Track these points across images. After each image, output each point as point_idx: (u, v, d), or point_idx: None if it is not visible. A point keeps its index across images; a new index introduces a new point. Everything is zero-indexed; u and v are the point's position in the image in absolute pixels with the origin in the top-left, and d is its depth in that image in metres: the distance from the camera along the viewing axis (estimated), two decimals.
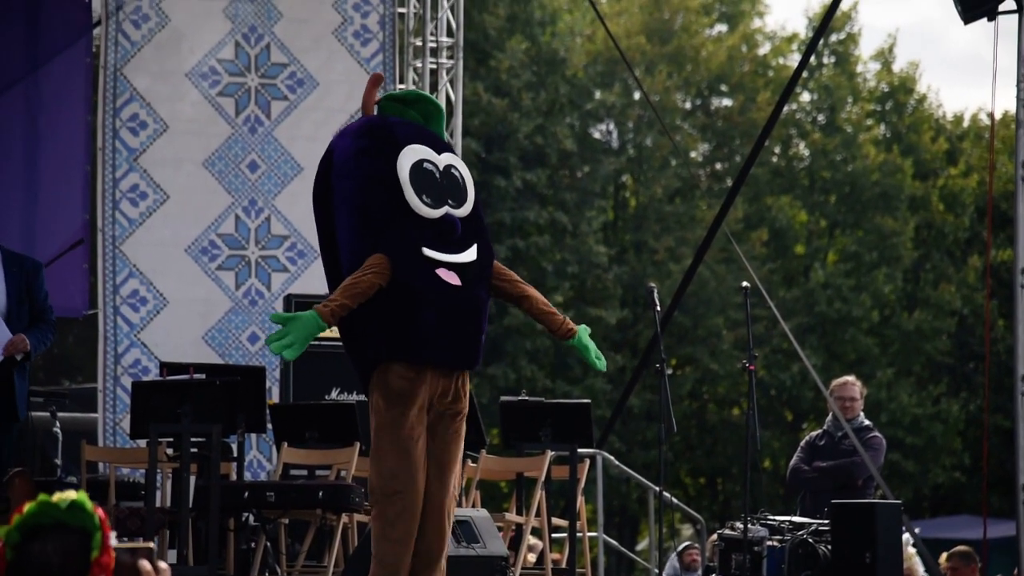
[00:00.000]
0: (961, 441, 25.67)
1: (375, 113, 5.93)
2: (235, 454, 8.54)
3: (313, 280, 10.30)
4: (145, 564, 2.65)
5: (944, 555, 11.07)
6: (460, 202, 5.73)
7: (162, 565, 2.67)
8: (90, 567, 2.61)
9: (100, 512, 2.64)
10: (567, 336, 5.97)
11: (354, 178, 5.65)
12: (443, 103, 11.53)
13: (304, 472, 8.77)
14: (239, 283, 10.65)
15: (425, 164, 5.69)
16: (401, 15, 11.38)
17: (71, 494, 2.64)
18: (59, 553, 2.61)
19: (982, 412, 22.82)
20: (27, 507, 2.65)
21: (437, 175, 5.71)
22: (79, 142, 10.40)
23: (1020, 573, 8.48)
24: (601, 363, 6.05)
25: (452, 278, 5.64)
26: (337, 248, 5.76)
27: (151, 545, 2.72)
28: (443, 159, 5.77)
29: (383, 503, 5.66)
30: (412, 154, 5.69)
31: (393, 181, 5.63)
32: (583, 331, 6.01)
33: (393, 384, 5.65)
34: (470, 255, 5.71)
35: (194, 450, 7.56)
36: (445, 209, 5.68)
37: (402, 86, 11.25)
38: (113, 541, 2.63)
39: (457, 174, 5.78)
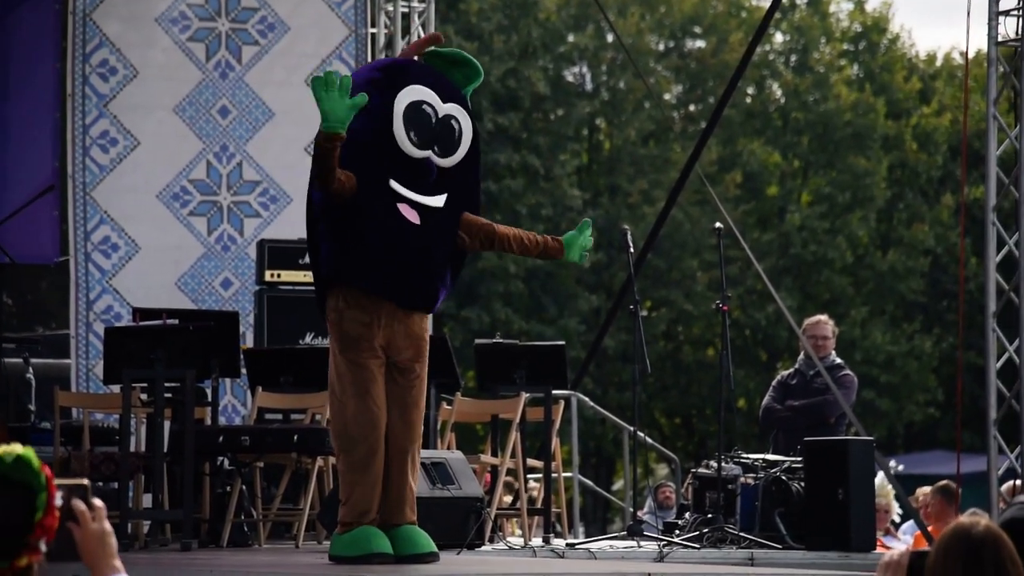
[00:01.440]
0: (935, 378, 25.84)
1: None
2: (209, 399, 8.55)
3: (286, 225, 10.29)
4: (79, 504, 2.61)
5: (928, 489, 11.16)
6: (448, 152, 5.74)
7: (97, 503, 2.64)
8: (33, 528, 2.54)
9: (47, 470, 2.57)
10: (559, 255, 6.05)
11: (356, 104, 5.68)
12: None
13: (279, 416, 8.80)
14: (211, 228, 10.62)
15: (424, 106, 5.72)
16: None
17: (17, 448, 2.57)
18: (1, 510, 2.53)
19: (955, 349, 22.89)
20: None
21: (433, 119, 5.72)
22: (48, 89, 10.32)
23: (991, 505, 8.56)
24: (582, 258, 6.08)
25: (412, 215, 5.68)
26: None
27: (84, 482, 2.67)
28: (446, 108, 5.78)
29: (347, 448, 5.69)
30: (415, 92, 5.73)
31: (387, 112, 5.67)
32: (569, 242, 6.04)
33: (348, 329, 5.67)
34: (437, 201, 5.73)
35: (168, 395, 7.57)
36: (428, 153, 5.70)
37: (373, 30, 11.19)
38: (58, 501, 2.56)
39: (456, 125, 5.78)
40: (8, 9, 10.25)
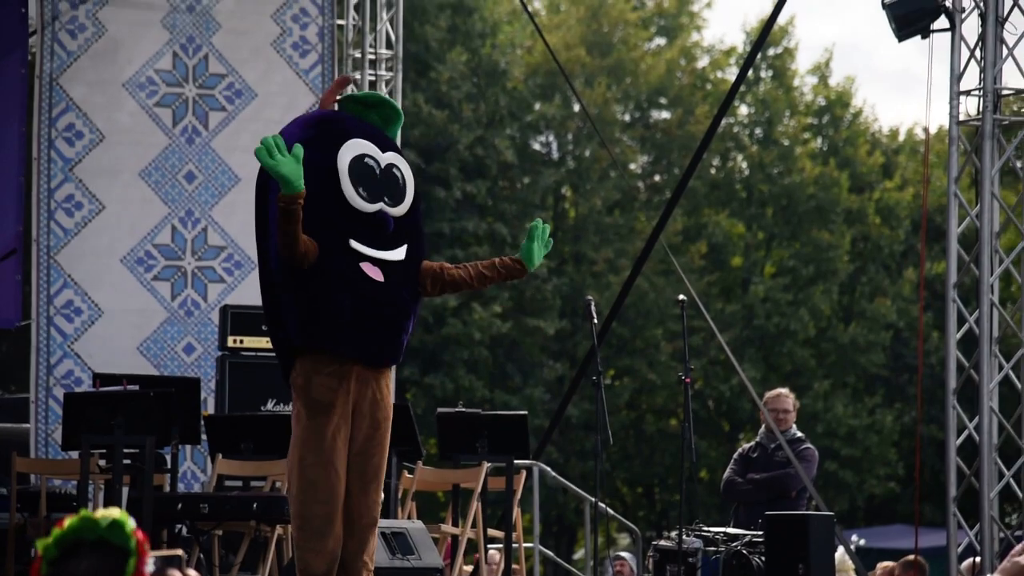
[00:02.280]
0: (896, 452, 25.90)
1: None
2: (169, 465, 8.49)
3: (250, 291, 10.27)
4: (175, 573, 2.63)
5: (889, 564, 11.17)
6: (397, 201, 5.75)
7: (191, 573, 2.65)
8: None
9: (139, 535, 2.57)
10: (522, 273, 6.01)
11: None
12: None
13: (239, 483, 8.75)
14: (175, 294, 10.60)
15: (366, 159, 5.71)
16: (340, 27, 11.37)
17: (114, 512, 2.57)
18: (88, 572, 2.52)
19: (916, 423, 23.05)
20: (67, 522, 2.59)
21: (377, 171, 5.72)
22: (13, 152, 10.31)
23: None
24: (536, 256, 5.99)
25: (376, 273, 5.67)
26: (265, 242, 5.77)
27: (179, 552, 2.68)
28: (386, 157, 5.78)
29: (304, 514, 5.65)
30: (355, 147, 5.71)
31: (331, 170, 5.64)
32: (526, 255, 6.00)
33: (315, 394, 5.65)
34: (398, 255, 5.74)
35: (127, 461, 7.52)
36: (380, 205, 5.69)
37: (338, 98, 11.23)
38: (149, 567, 2.56)
39: (398, 173, 5.79)
40: None
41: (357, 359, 5.66)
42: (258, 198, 5.79)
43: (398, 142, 6.01)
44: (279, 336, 5.79)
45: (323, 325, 5.61)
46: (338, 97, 5.93)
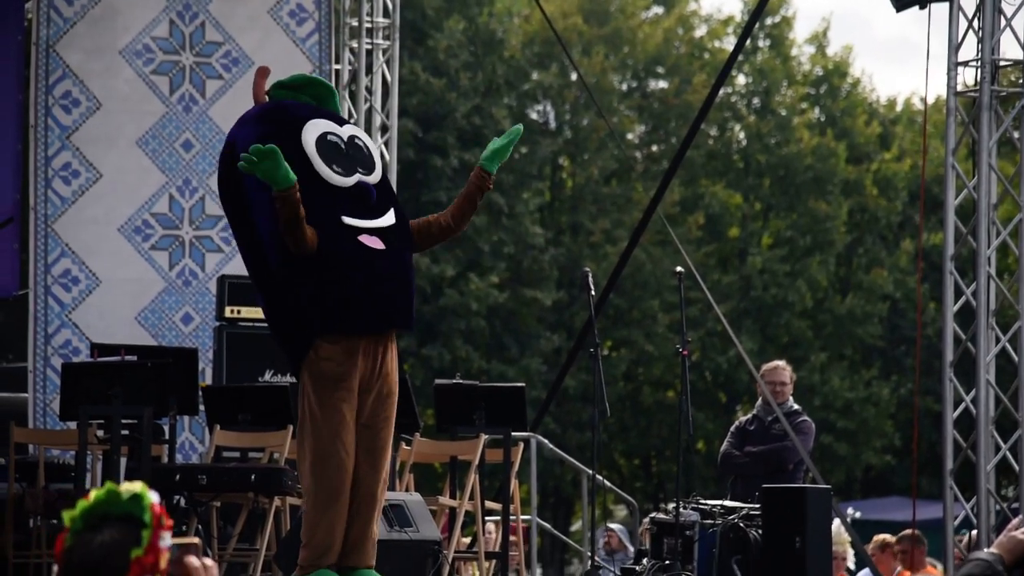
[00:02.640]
0: (892, 424, 25.94)
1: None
2: (167, 436, 8.49)
3: None
4: (192, 560, 2.61)
5: (892, 537, 11.20)
6: (369, 169, 5.79)
7: (208, 562, 2.63)
8: (129, 565, 2.52)
9: (156, 508, 2.56)
10: (488, 181, 5.98)
11: None
12: (379, 83, 11.50)
13: (237, 454, 8.74)
14: (173, 263, 10.57)
15: (329, 136, 5.74)
16: None
17: (136, 485, 2.57)
18: (102, 545, 2.52)
19: (913, 395, 23.00)
20: (93, 494, 2.58)
21: (342, 145, 5.76)
22: (10, 120, 10.26)
23: (947, 555, 8.58)
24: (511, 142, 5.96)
25: (375, 243, 5.69)
26: (254, 237, 5.75)
27: (196, 540, 2.65)
28: (345, 130, 5.84)
29: (314, 489, 5.66)
30: (315, 128, 5.74)
31: (301, 157, 5.65)
32: (486, 163, 5.99)
33: (324, 368, 5.65)
34: (389, 219, 5.77)
35: (125, 432, 7.51)
36: (357, 177, 5.72)
37: (338, 66, 11.20)
38: (167, 541, 2.55)
39: (361, 143, 5.84)
40: None
41: (374, 330, 5.67)
42: (230, 202, 5.79)
43: (338, 110, 6.05)
44: (288, 335, 5.76)
45: (340, 306, 5.62)
46: (267, 88, 5.95)
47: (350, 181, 5.69)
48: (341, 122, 5.89)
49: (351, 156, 5.76)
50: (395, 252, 5.73)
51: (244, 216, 5.77)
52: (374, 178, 5.78)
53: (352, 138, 5.81)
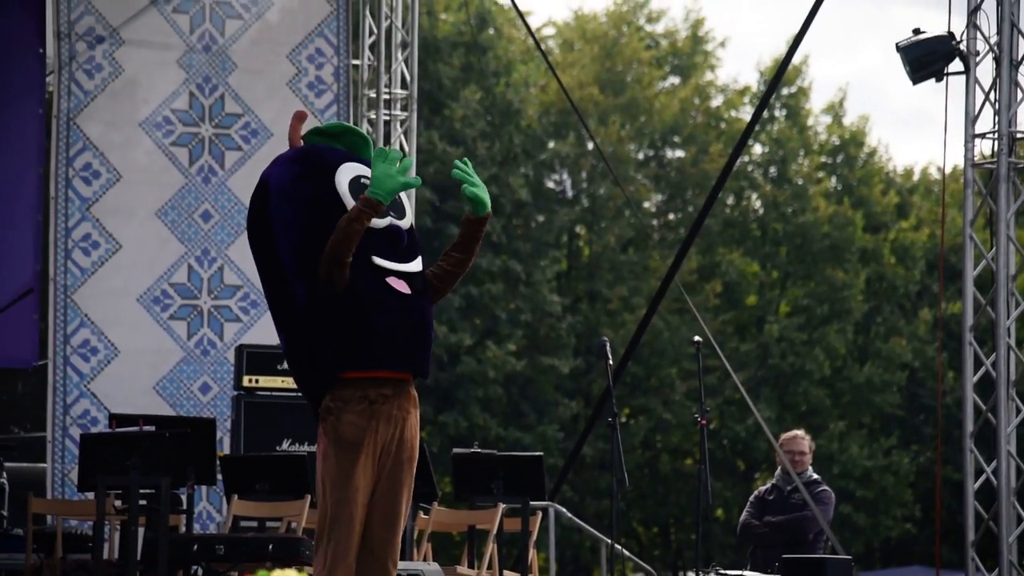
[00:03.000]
0: (912, 493, 25.79)
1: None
2: (184, 506, 8.48)
3: (266, 330, 10.26)
4: None
5: None
6: (401, 214, 5.81)
7: None
8: None
9: None
10: (478, 221, 5.84)
11: (295, 201, 5.65)
12: None
13: (254, 523, 8.73)
14: (191, 333, 10.61)
15: (362, 179, 5.76)
16: (356, 67, 11.42)
17: (293, 573, 2.55)
18: None
19: (933, 464, 22.90)
20: None
21: None
22: (31, 192, 10.35)
23: None
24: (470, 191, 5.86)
25: (402, 286, 5.70)
26: (279, 274, 5.78)
27: None
28: None
29: (323, 549, 5.66)
30: (348, 171, 5.76)
31: (334, 198, 5.68)
32: (467, 195, 5.93)
33: (344, 432, 5.65)
34: (416, 265, 5.79)
35: (143, 502, 7.51)
36: (389, 219, 5.74)
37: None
38: None
39: None
40: None
41: (393, 368, 5.68)
42: (256, 241, 5.80)
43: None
44: (307, 372, 5.78)
45: (361, 345, 5.64)
46: (302, 134, 5.99)
47: (382, 223, 5.73)
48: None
49: None
50: (419, 298, 5.77)
51: (270, 254, 5.80)
52: (405, 223, 5.83)
53: None
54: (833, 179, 28.23)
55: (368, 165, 5.88)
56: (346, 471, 5.63)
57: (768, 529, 9.31)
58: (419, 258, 5.84)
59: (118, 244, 10.54)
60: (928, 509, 25.34)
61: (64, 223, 10.43)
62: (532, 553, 8.57)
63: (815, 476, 9.57)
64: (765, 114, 26.48)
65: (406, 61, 11.58)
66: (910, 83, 9.10)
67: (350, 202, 5.69)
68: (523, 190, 24.84)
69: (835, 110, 28.29)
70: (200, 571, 7.98)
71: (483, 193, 5.83)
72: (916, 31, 9.15)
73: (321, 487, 5.69)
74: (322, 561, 5.65)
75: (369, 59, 11.52)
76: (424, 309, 5.79)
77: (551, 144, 26.16)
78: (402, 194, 5.84)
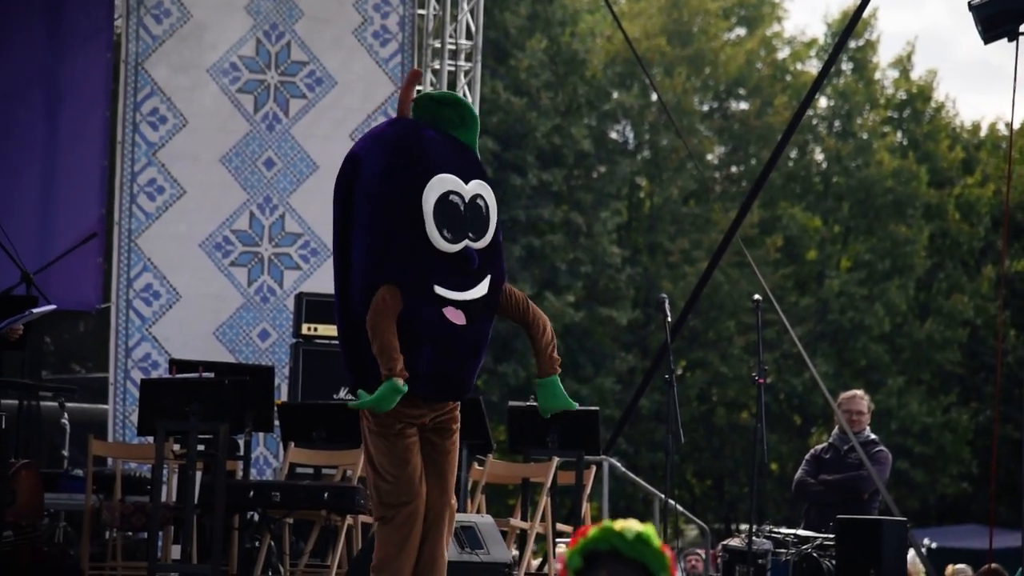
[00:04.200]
0: (970, 451, 25.65)
1: (410, 111, 5.83)
2: (241, 452, 8.56)
3: (325, 279, 10.28)
4: None
5: (961, 566, 11.09)
6: (481, 234, 5.62)
7: None
8: None
9: (668, 551, 2.49)
10: (542, 375, 5.88)
11: (378, 200, 5.53)
12: None
13: (310, 471, 8.81)
14: (251, 280, 10.68)
15: (451, 196, 5.54)
16: (421, 16, 11.40)
17: (637, 525, 2.51)
18: None
19: (991, 422, 22.75)
20: (591, 531, 2.53)
21: (462, 208, 5.56)
22: (97, 136, 10.43)
23: None
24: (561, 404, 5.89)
25: (458, 317, 5.58)
26: (348, 255, 5.73)
27: None
28: (470, 188, 5.61)
29: (386, 515, 5.68)
30: (440, 185, 5.53)
31: (416, 212, 5.50)
32: (554, 381, 5.89)
33: (385, 418, 5.66)
34: (481, 290, 5.63)
35: (201, 447, 7.59)
36: (464, 243, 5.58)
37: (419, 87, 11.26)
38: None
39: (482, 203, 5.61)
40: (60, 58, 10.37)
41: (434, 399, 5.67)
42: (339, 219, 5.68)
43: (476, 141, 5.86)
44: (350, 359, 5.77)
45: (406, 369, 5.59)
46: (415, 95, 5.86)
47: (456, 247, 5.56)
48: (470, 174, 5.65)
49: (466, 219, 5.57)
50: (474, 327, 5.65)
51: (345, 234, 5.73)
52: (483, 243, 5.62)
53: (474, 198, 5.61)
54: (899, 134, 27.96)
55: (467, 162, 5.67)
56: (394, 435, 5.66)
57: (823, 487, 9.30)
58: (487, 279, 5.67)
59: (182, 189, 10.61)
60: (985, 467, 25.19)
61: (130, 168, 10.51)
62: (585, 506, 8.60)
63: (872, 436, 9.54)
64: (831, 68, 26.21)
65: (472, 11, 11.54)
66: (979, 38, 8.97)
67: (430, 223, 5.50)
68: (586, 141, 24.75)
69: (903, 64, 27.99)
70: (256, 516, 8.06)
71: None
72: None
73: (372, 452, 5.72)
74: (390, 523, 5.70)
75: (435, 8, 11.50)
76: (478, 338, 5.65)
77: (615, 95, 26.03)
78: (490, 208, 5.63)
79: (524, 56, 24.41)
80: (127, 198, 10.48)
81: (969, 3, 9.00)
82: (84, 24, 10.46)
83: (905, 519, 8.51)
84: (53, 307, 7.13)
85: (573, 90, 25.02)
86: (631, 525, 2.45)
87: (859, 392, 9.79)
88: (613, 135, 26.49)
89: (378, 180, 5.56)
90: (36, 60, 10.31)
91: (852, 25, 12.72)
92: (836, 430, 9.57)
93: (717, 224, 25.03)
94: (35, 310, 6.89)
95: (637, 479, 12.08)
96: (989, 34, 8.90)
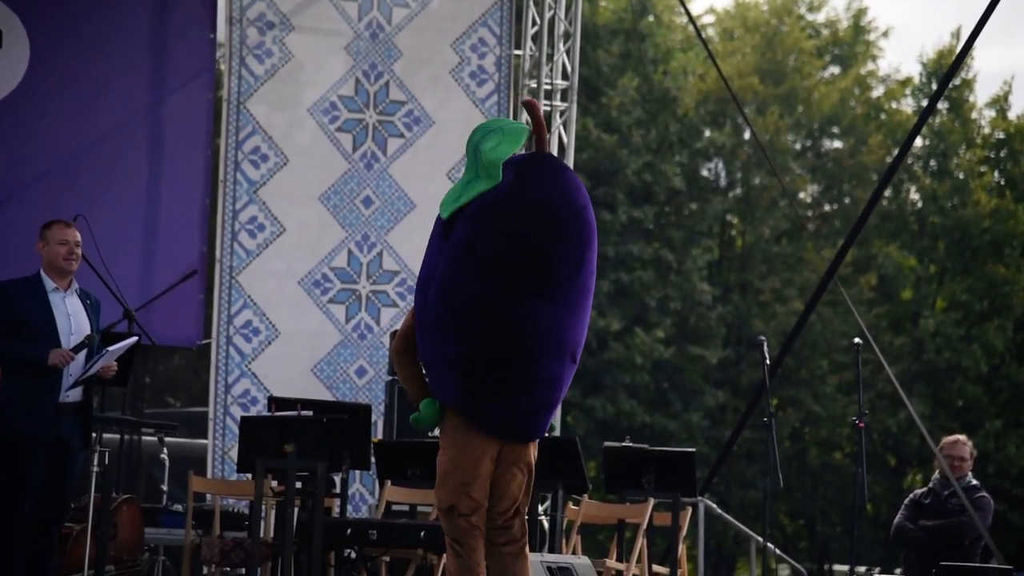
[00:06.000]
0: None
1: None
2: (339, 489, 8.61)
3: None
4: None
5: None
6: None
7: None
8: None
9: None
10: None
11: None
12: (556, 143, 11.60)
13: (406, 508, 8.84)
14: (349, 316, 10.76)
15: None
16: (517, 56, 11.46)
17: None
18: None
19: None
20: None
21: None
22: (199, 174, 10.58)
23: None
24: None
25: None
26: (587, 298, 5.75)
27: None
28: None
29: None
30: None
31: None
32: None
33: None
34: None
35: (299, 485, 7.64)
36: None
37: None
38: None
39: None
40: (163, 97, 10.54)
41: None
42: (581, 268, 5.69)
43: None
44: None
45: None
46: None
47: None
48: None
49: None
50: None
51: (588, 280, 5.74)
52: None
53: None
54: (995, 173, 27.64)
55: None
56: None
57: (923, 533, 9.18)
58: None
59: (282, 227, 10.73)
60: None
61: (232, 205, 10.64)
62: (681, 548, 8.56)
63: (975, 482, 9.42)
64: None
65: (568, 52, 11.59)
66: None
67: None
68: (677, 178, 24.71)
69: (1000, 103, 27.69)
70: (352, 554, 8.10)
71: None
72: None
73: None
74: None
75: (531, 49, 11.56)
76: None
77: (707, 133, 25.98)
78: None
79: (615, 94, 24.44)
80: (228, 235, 10.61)
81: None
82: (186, 64, 10.62)
83: (1010, 567, 8.38)
84: (134, 340, 7.16)
85: (665, 128, 24.99)
86: None
87: (962, 437, 9.67)
88: (704, 172, 26.42)
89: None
90: (139, 99, 10.48)
91: (954, 69, 12.61)
92: (936, 475, 9.45)
93: (810, 263, 24.85)
94: (111, 348, 6.91)
95: (731, 519, 12.00)
96: None
